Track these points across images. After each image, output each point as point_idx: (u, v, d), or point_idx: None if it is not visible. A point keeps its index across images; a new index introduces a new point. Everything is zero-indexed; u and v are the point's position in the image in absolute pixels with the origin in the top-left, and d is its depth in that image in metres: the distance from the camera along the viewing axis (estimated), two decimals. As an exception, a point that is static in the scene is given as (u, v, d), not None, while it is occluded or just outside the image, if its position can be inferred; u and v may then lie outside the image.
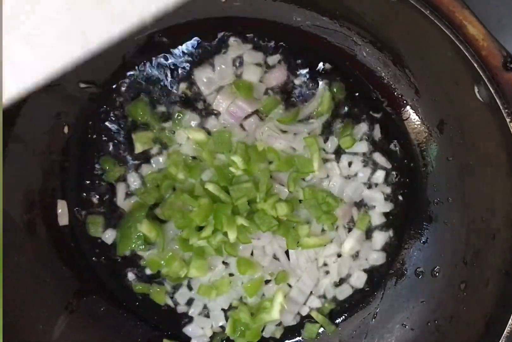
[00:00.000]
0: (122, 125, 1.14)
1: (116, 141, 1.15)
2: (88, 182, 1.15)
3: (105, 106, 1.14)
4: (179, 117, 1.12)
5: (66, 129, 1.13)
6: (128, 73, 1.13)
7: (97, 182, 1.15)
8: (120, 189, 1.15)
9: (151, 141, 1.13)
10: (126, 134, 1.14)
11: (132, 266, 1.17)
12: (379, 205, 1.17)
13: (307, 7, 1.09)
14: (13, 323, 1.01)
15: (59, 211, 1.14)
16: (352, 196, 1.16)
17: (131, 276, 1.17)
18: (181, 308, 1.18)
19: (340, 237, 1.16)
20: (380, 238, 1.18)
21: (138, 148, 1.13)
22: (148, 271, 1.17)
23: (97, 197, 1.16)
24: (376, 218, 1.18)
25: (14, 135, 1.04)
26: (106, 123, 1.14)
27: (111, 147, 1.15)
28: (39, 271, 1.10)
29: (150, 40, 1.12)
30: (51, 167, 1.13)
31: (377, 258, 1.19)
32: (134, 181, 1.14)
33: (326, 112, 1.14)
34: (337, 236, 1.16)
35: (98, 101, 1.14)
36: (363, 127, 1.16)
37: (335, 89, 1.14)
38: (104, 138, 1.14)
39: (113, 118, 1.14)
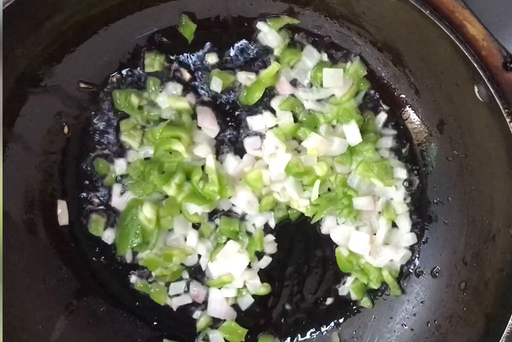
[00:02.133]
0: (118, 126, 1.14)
1: (113, 142, 1.15)
2: (87, 182, 1.16)
3: (103, 107, 1.14)
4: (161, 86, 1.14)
5: (66, 129, 1.13)
6: (128, 73, 1.13)
7: (97, 181, 1.16)
8: (116, 190, 1.15)
9: (135, 129, 1.14)
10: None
11: (132, 266, 1.17)
12: (395, 195, 1.17)
13: (306, 7, 1.10)
14: (13, 323, 1.02)
15: (59, 211, 1.14)
16: (367, 191, 1.16)
17: (131, 275, 1.17)
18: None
19: (372, 226, 1.17)
20: (406, 223, 1.18)
21: (134, 145, 1.14)
22: (148, 271, 1.17)
23: (97, 196, 1.16)
24: (399, 207, 1.17)
25: (14, 135, 1.05)
26: (104, 123, 1.15)
27: (109, 148, 1.15)
28: (39, 271, 1.10)
29: (150, 40, 1.12)
30: (51, 167, 1.13)
31: (409, 238, 1.18)
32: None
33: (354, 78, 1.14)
34: (369, 225, 1.17)
35: (97, 101, 1.14)
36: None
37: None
38: (102, 138, 1.15)
39: (111, 119, 1.14)
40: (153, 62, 1.12)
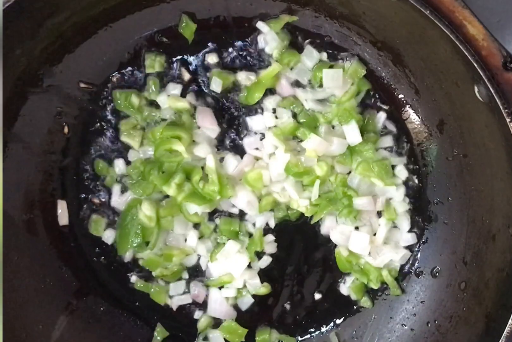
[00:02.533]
0: (118, 126, 1.14)
1: (113, 142, 1.15)
2: (87, 182, 1.16)
3: (103, 107, 1.14)
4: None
5: (66, 129, 1.13)
6: (129, 73, 1.14)
7: (97, 181, 1.16)
8: (116, 190, 1.15)
9: (135, 129, 1.14)
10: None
11: (132, 266, 1.17)
12: (395, 195, 1.17)
13: (306, 7, 1.10)
14: (13, 323, 1.02)
15: (59, 211, 1.14)
16: (367, 191, 1.16)
17: (131, 275, 1.17)
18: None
19: (372, 226, 1.17)
20: (406, 222, 1.18)
21: (134, 145, 1.14)
22: (148, 271, 1.17)
23: (97, 196, 1.16)
24: (399, 207, 1.17)
25: (14, 135, 1.05)
26: (104, 123, 1.15)
27: (109, 148, 1.15)
28: (39, 271, 1.10)
29: (150, 40, 1.12)
30: (51, 167, 1.13)
31: (408, 238, 1.18)
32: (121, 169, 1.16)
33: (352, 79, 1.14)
34: (369, 225, 1.17)
35: (97, 101, 1.14)
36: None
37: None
38: (102, 139, 1.15)
39: (111, 119, 1.15)
40: (153, 63, 1.12)
